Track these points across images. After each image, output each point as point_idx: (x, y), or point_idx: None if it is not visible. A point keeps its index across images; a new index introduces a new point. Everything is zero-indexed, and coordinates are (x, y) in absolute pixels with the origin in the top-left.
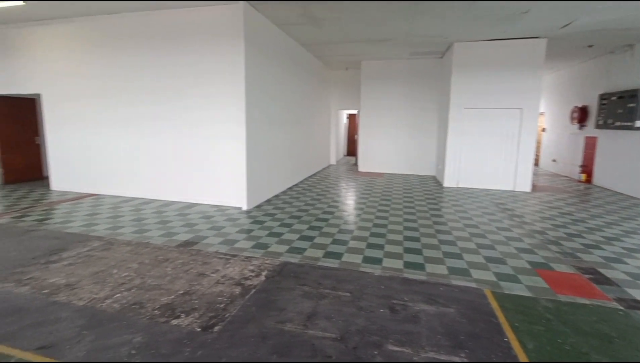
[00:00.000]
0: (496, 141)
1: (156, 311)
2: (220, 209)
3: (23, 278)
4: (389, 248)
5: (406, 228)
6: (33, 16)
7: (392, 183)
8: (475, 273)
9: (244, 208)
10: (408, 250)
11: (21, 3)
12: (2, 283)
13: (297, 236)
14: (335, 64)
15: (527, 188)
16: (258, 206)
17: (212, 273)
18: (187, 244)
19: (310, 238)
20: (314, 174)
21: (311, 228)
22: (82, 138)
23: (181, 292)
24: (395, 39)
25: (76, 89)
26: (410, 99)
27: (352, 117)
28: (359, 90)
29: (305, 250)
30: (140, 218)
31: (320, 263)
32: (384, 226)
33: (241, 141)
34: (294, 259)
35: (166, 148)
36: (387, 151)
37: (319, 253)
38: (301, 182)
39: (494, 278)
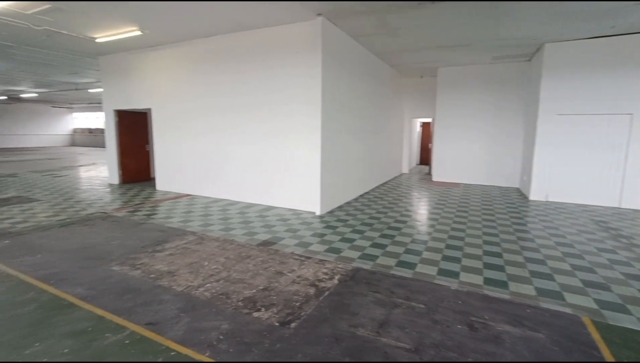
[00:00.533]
0: (596, 151)
1: (240, 303)
2: (296, 213)
3: (136, 263)
4: (466, 262)
5: (486, 242)
6: (147, 43)
7: (469, 194)
8: (571, 298)
9: (318, 213)
10: (488, 266)
11: (139, 33)
12: (121, 267)
13: (369, 243)
14: (409, 72)
15: (638, 205)
16: (330, 212)
17: (289, 272)
18: (266, 243)
19: (382, 246)
20: (386, 183)
21: (383, 236)
22: (180, 145)
23: (261, 287)
24: (476, 44)
25: (177, 104)
26: (491, 106)
27: (425, 126)
28: (433, 97)
29: (377, 257)
30: (226, 217)
31: (392, 272)
32: (461, 238)
33: (316, 149)
34: (366, 265)
35: (249, 155)
36: (465, 160)
37: (392, 261)
38: (373, 190)
39: (594, 305)
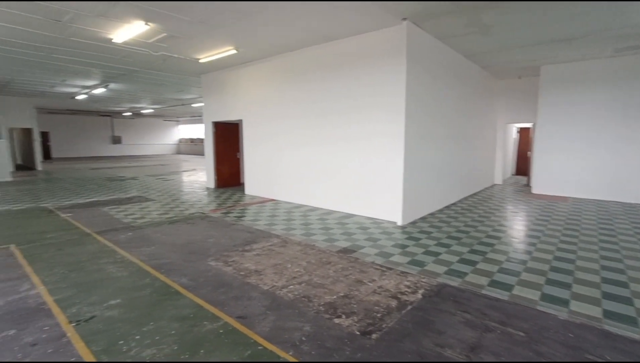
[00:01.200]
0: None
1: (321, 307)
2: (376, 222)
3: (228, 260)
4: (578, 289)
5: (605, 268)
6: (240, 60)
7: (581, 210)
8: None
9: (399, 223)
10: (610, 296)
11: (234, 51)
12: (216, 262)
13: (457, 258)
14: (504, 73)
15: None
16: (413, 223)
17: (369, 282)
18: (346, 251)
19: (472, 263)
20: (476, 194)
21: (473, 251)
22: (267, 153)
23: (341, 294)
24: (592, 35)
25: (265, 115)
26: (613, 107)
27: (523, 132)
28: (534, 100)
29: (466, 274)
30: (307, 222)
31: (484, 292)
32: (571, 261)
33: (399, 157)
34: (453, 282)
35: (331, 162)
36: (575, 171)
37: (483, 280)
38: (460, 201)
39: None
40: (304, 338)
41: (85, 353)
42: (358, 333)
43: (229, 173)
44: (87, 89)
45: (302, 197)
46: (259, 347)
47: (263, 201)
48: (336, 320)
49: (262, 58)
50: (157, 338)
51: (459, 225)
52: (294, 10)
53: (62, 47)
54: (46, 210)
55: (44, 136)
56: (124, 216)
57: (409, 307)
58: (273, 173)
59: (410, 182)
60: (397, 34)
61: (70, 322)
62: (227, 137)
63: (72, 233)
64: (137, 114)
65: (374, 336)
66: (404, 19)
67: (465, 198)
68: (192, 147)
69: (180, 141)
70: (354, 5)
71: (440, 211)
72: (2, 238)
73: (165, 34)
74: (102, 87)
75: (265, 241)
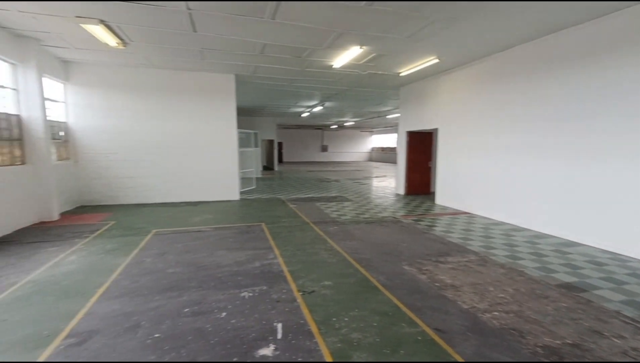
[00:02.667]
0: None
1: (539, 349)
2: (615, 257)
3: (422, 268)
4: None
5: None
6: (439, 69)
7: None
8: None
9: None
10: None
11: (436, 61)
12: (410, 267)
13: None
14: None
15: None
16: None
17: (614, 337)
18: (569, 287)
19: None
20: None
21: None
22: (462, 162)
23: (569, 342)
24: None
25: (462, 123)
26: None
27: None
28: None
29: None
30: (511, 243)
31: None
32: None
33: None
34: None
35: (544, 177)
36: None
37: None
38: None
39: None
40: None
41: (309, 320)
42: None
43: (419, 181)
44: (310, 108)
45: (504, 214)
46: None
47: (455, 213)
48: None
49: (462, 64)
50: (361, 325)
51: None
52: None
53: (299, 77)
54: (280, 201)
55: (279, 145)
56: (330, 211)
57: None
58: (469, 184)
59: None
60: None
61: (299, 291)
62: (420, 146)
63: (298, 221)
64: (340, 127)
65: None
66: None
67: None
68: (383, 155)
69: (373, 149)
70: None
71: None
72: (258, 218)
73: (374, 54)
74: (320, 105)
75: (461, 255)
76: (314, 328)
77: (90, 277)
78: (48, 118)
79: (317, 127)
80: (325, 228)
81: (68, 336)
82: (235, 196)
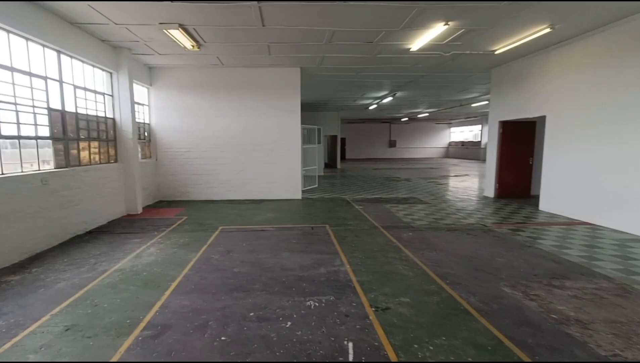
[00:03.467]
0: None
1: None
2: None
3: (529, 292)
4: None
5: None
6: (549, 42)
7: None
8: None
9: None
10: None
11: (547, 31)
12: (512, 290)
13: None
14: None
15: None
16: None
17: None
18: None
19: None
20: None
21: None
22: (581, 158)
23: None
24: None
25: (582, 108)
26: None
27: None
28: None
29: None
30: None
31: None
32: None
33: None
34: None
35: None
36: None
37: None
38: None
39: None
40: None
41: (385, 342)
42: None
43: (515, 181)
44: (378, 100)
45: None
46: None
47: (570, 223)
48: None
49: (588, 31)
50: (452, 358)
51: None
52: None
53: (369, 65)
54: (345, 201)
55: (342, 141)
56: (403, 215)
57: None
58: (593, 186)
59: None
60: None
61: (371, 306)
62: (517, 138)
63: (365, 224)
64: (412, 119)
65: None
66: None
67: None
68: (463, 151)
69: (450, 144)
70: None
71: None
72: (322, 219)
73: (462, 30)
74: (390, 96)
75: (585, 280)
76: (391, 353)
77: (166, 270)
78: (136, 120)
79: (384, 121)
80: (398, 234)
81: (145, 327)
82: (298, 195)
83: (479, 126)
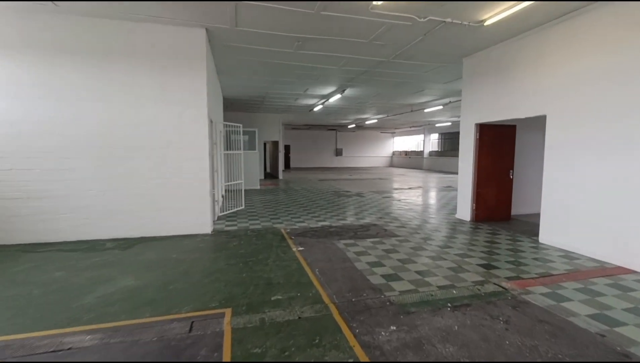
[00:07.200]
0: None
1: None
2: None
3: None
4: None
5: None
6: (550, 15)
7: None
8: None
9: None
10: None
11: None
12: None
13: None
14: None
15: None
16: None
17: None
18: None
19: None
20: None
21: None
22: (604, 173)
23: None
24: None
25: (592, 103)
26: None
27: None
28: None
29: None
30: None
31: None
32: None
33: None
34: None
35: None
36: None
37: None
38: None
39: None
40: None
41: None
42: None
43: (495, 200)
44: (324, 99)
45: None
46: None
47: (602, 271)
48: None
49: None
50: None
51: None
52: None
53: (310, 33)
54: (278, 235)
55: (287, 148)
56: (367, 265)
57: None
58: (627, 211)
59: None
60: None
61: None
62: (496, 147)
63: (305, 299)
64: (359, 126)
65: None
66: None
67: None
68: (406, 160)
69: (394, 153)
70: None
71: None
72: (226, 290)
73: None
74: (338, 93)
75: None
76: None
77: None
78: None
79: (330, 128)
80: (371, 332)
81: None
82: (206, 228)
83: (422, 136)
